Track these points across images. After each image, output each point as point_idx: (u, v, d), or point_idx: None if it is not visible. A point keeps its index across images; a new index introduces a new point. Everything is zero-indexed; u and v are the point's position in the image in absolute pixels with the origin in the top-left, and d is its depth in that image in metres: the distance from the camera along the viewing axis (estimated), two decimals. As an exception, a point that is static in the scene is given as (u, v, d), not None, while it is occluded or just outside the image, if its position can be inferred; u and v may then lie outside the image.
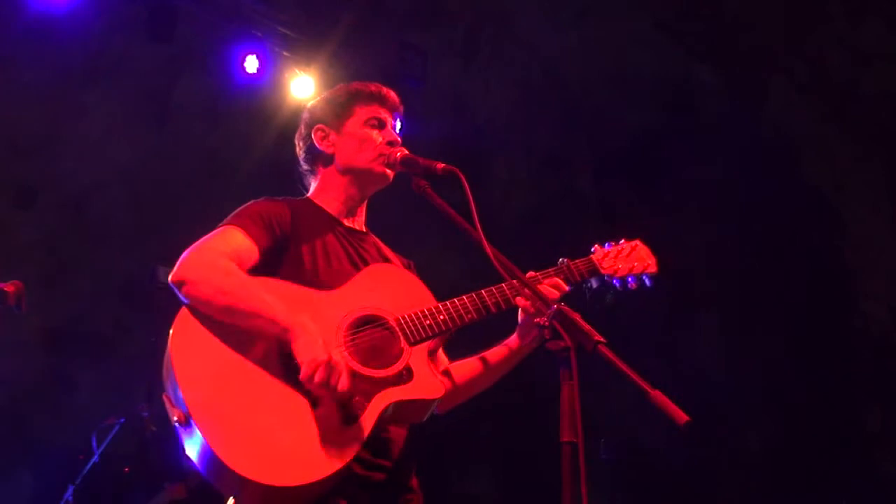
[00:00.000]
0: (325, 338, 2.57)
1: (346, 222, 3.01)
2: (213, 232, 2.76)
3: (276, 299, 2.60)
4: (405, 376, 2.65)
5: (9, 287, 3.25)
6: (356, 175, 3.00)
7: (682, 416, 2.08)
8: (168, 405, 2.51)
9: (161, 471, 6.23)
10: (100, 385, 7.25)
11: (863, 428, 7.89)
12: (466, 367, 3.01)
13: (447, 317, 2.77)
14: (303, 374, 2.50)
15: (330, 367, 2.49)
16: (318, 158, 3.05)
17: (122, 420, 6.28)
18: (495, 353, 2.98)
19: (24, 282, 3.30)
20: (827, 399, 7.78)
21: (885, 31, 7.46)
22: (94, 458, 6.19)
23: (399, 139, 3.01)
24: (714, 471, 7.99)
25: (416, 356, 2.69)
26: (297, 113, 7.28)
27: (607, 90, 8.06)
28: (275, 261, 2.77)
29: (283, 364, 2.56)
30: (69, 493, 6.12)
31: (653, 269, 3.07)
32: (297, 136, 3.12)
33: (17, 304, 3.26)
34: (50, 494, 6.33)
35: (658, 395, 2.10)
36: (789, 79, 7.93)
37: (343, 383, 2.50)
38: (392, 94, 3.08)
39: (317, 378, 2.49)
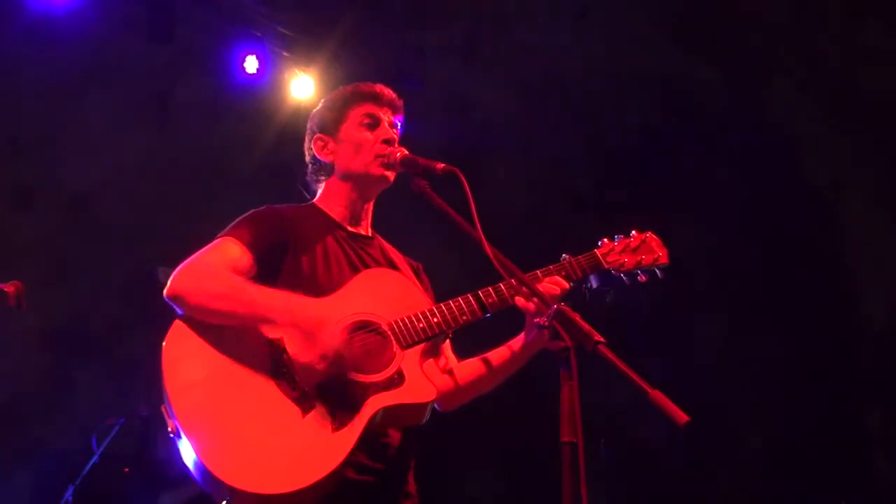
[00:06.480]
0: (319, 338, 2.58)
1: (351, 227, 3.01)
2: (208, 245, 2.76)
3: (271, 300, 2.61)
4: (396, 381, 2.64)
5: (9, 287, 3.25)
6: (356, 180, 3.00)
7: (681, 416, 2.07)
8: (165, 416, 2.54)
9: (161, 471, 6.23)
10: (100, 385, 7.25)
11: (863, 428, 7.89)
12: (470, 368, 3.01)
13: (441, 319, 2.76)
14: (299, 376, 2.52)
15: (323, 361, 2.51)
16: (321, 168, 3.06)
17: (122, 420, 6.28)
18: (499, 354, 2.96)
19: (24, 282, 3.29)
20: (827, 399, 7.77)
21: (885, 31, 7.46)
22: (94, 458, 6.19)
23: (395, 137, 3.00)
24: (714, 471, 7.98)
25: (408, 360, 2.69)
26: (297, 113, 7.37)
27: (607, 90, 8.05)
28: (273, 269, 2.77)
29: (273, 372, 2.58)
30: (69, 493, 6.12)
31: (664, 260, 2.99)
32: (304, 144, 3.14)
33: (17, 304, 3.25)
34: (50, 494, 6.32)
35: (658, 395, 2.10)
36: (790, 78, 7.93)
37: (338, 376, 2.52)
38: (387, 91, 3.06)
39: (313, 378, 2.50)
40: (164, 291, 2.66)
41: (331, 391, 2.58)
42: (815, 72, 7.81)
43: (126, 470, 6.64)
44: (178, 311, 2.65)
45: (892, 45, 7.41)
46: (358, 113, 3.01)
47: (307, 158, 3.11)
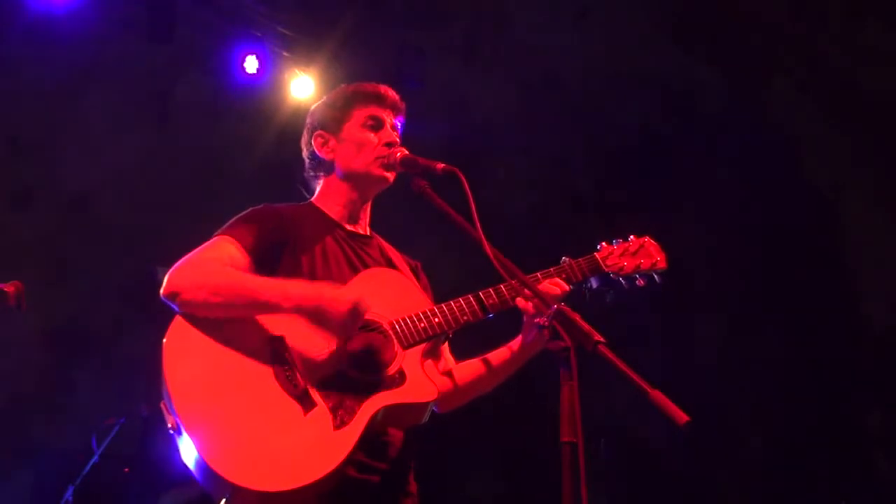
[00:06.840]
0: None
1: (349, 227, 3.01)
2: (204, 244, 2.75)
3: (273, 285, 2.61)
4: (397, 380, 2.65)
5: (9, 287, 3.24)
6: (356, 179, 2.99)
7: (681, 416, 2.07)
8: (164, 412, 2.53)
9: (161, 471, 6.23)
10: (100, 385, 7.25)
11: (863, 428, 7.89)
12: (469, 369, 3.01)
13: (442, 320, 2.77)
14: (302, 373, 2.53)
15: (357, 313, 2.58)
16: (320, 164, 3.05)
17: (122, 420, 6.28)
18: (498, 355, 2.97)
19: (24, 282, 3.29)
20: (827, 399, 7.78)
21: (885, 31, 7.46)
22: (94, 458, 6.19)
23: (397, 139, 3.00)
24: (714, 470, 7.98)
25: (409, 359, 2.70)
26: (296, 113, 7.37)
27: (607, 90, 8.06)
28: (271, 269, 2.75)
29: (275, 369, 2.58)
30: (69, 493, 6.12)
31: (662, 265, 3.01)
32: (301, 140, 3.13)
33: (17, 304, 3.25)
34: (50, 494, 6.32)
35: (658, 395, 2.09)
36: (790, 78, 7.93)
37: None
38: (390, 92, 3.06)
39: (315, 374, 2.53)
40: (161, 290, 2.64)
41: (332, 389, 2.58)
42: (815, 72, 7.81)
43: (126, 470, 6.64)
44: (176, 309, 2.64)
45: (892, 45, 7.41)
46: (361, 114, 3.00)
47: (305, 153, 3.09)
